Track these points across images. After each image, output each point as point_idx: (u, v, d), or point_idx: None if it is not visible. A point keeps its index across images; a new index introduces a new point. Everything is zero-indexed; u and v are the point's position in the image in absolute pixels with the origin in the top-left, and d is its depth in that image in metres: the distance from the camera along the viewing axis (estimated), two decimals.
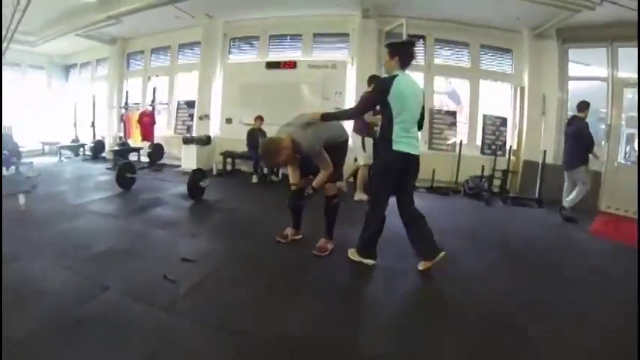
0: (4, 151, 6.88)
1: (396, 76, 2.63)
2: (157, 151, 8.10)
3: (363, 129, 4.99)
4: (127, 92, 8.77)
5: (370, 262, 2.88)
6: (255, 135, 6.46)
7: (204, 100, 7.93)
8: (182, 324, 2.03)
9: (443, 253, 2.78)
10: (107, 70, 9.38)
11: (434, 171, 6.27)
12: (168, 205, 4.65)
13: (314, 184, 2.94)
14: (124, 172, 5.36)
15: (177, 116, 8.61)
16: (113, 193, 5.18)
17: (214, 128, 7.98)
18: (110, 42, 8.83)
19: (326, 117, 2.87)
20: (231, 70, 7.88)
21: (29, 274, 2.53)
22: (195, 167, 6.91)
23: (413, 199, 2.88)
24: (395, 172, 2.72)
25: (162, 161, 8.19)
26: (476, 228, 4.33)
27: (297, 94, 7.14)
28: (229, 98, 7.88)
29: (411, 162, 2.74)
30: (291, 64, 7.22)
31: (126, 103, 8.50)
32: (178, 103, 8.62)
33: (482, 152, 6.68)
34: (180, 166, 7.61)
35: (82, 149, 9.32)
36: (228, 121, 7.94)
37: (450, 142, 6.74)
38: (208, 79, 7.82)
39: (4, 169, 6.82)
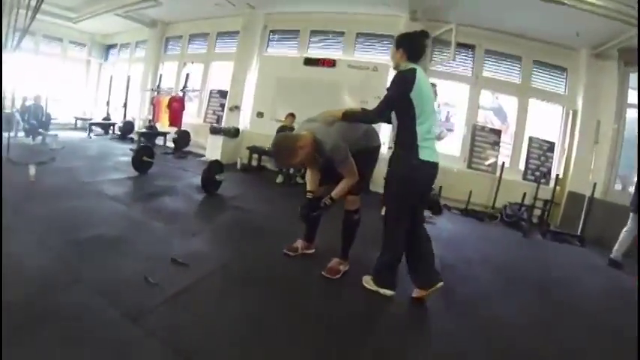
0: (32, 121, 6.90)
1: (414, 69, 2.26)
2: (182, 138, 7.90)
3: None
4: (160, 75, 8.67)
5: (388, 292, 2.41)
6: (283, 131, 6.11)
7: (237, 90, 7.67)
8: (144, 342, 1.65)
9: (440, 284, 2.38)
10: (145, 53, 9.34)
11: (470, 192, 5.70)
12: (178, 196, 4.34)
13: (334, 193, 2.45)
14: (141, 155, 5.13)
15: (208, 105, 8.43)
16: (127, 175, 4.95)
17: (245, 121, 7.71)
18: (150, 25, 8.79)
19: (348, 116, 2.40)
20: (268, 62, 7.60)
21: (6, 250, 2.23)
22: (218, 158, 6.71)
23: (424, 216, 2.60)
24: (422, 186, 2.39)
25: (188, 149, 7.99)
26: (510, 262, 3.77)
27: (333, 93, 6.72)
28: (263, 91, 7.59)
29: (435, 172, 2.40)
30: (331, 63, 6.83)
31: (158, 86, 8.39)
32: (211, 92, 8.44)
33: (525, 177, 6.03)
34: (204, 155, 7.37)
35: (111, 128, 9.31)
36: (260, 115, 7.66)
37: (488, 162, 6.13)
38: (243, 70, 7.56)
39: (30, 138, 6.84)
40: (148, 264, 2.41)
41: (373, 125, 2.63)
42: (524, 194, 5.61)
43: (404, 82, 2.25)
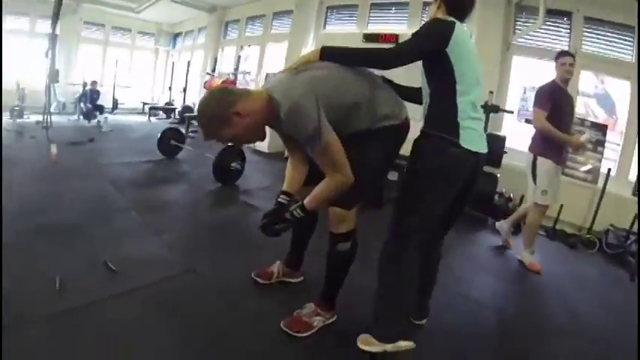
0: (87, 105, 7.30)
1: (454, 22, 1.53)
2: None
3: (545, 145, 3.12)
4: (215, 59, 8.64)
5: (404, 345, 1.54)
6: None
7: None
8: None
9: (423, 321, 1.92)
10: (204, 39, 9.44)
11: (561, 207, 4.39)
12: (186, 185, 4.00)
13: (307, 200, 1.53)
14: (169, 138, 4.90)
15: None
16: (151, 158, 4.76)
17: None
18: (209, 10, 8.81)
19: (328, 53, 1.54)
20: (325, 41, 6.94)
21: None
22: (266, 147, 6.32)
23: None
24: (461, 186, 1.58)
25: None
26: (617, 335, 2.23)
27: (396, 73, 5.81)
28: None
29: (481, 168, 1.67)
30: (392, 38, 5.93)
31: (213, 70, 8.34)
32: (267, 75, 8.11)
33: (637, 194, 4.52)
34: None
35: (173, 113, 9.58)
36: None
37: (586, 167, 4.74)
38: (297, 50, 7.04)
39: (87, 120, 7.25)
40: (79, 263, 2.03)
41: (390, 90, 1.72)
42: (636, 217, 4.19)
43: (439, 29, 1.53)
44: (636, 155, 4.34)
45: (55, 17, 4.95)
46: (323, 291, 1.80)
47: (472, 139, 1.52)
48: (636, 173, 3.54)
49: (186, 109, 9.01)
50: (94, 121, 7.27)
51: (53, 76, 7.27)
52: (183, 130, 5.27)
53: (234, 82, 7.70)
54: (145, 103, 10.17)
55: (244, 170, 4.22)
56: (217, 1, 8.32)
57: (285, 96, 1.39)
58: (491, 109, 4.16)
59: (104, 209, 2.91)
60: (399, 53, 1.53)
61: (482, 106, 3.34)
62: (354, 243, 1.68)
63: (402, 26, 6.02)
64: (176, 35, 11.09)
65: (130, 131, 7.02)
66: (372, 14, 6.38)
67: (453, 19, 1.55)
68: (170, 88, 9.79)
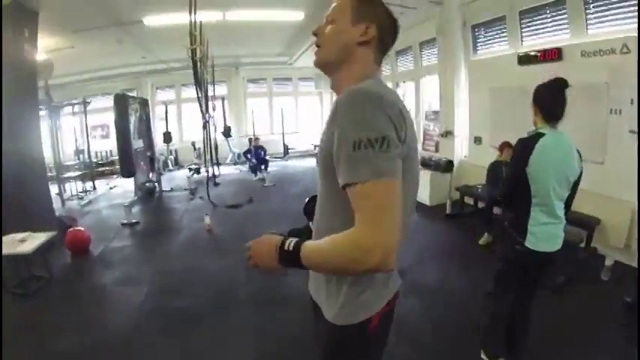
0: (252, 160, 8.60)
1: (541, 135, 1.94)
2: None
3: None
4: None
5: None
6: (497, 170, 4.61)
7: (448, 110, 6.70)
8: None
9: None
10: None
11: None
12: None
13: (309, 245, 0.94)
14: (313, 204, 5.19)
15: (423, 130, 7.69)
16: (301, 225, 5.08)
17: (462, 150, 6.63)
18: None
19: None
20: (477, 69, 6.25)
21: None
22: (427, 198, 6.11)
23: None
24: (524, 272, 2.14)
25: None
26: None
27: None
28: (477, 108, 6.32)
29: (549, 260, 2.07)
30: (553, 54, 4.74)
31: None
32: (426, 114, 7.79)
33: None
34: None
35: None
36: (477, 140, 6.41)
37: None
38: (450, 84, 6.55)
39: (253, 174, 8.54)
40: None
41: None
42: None
43: (520, 151, 1.99)
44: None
45: (198, 84, 6.16)
46: None
47: (537, 242, 1.95)
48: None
49: None
50: (260, 175, 8.46)
51: (226, 132, 9.00)
52: None
53: None
54: (315, 146, 11.28)
55: None
56: None
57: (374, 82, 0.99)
58: None
59: (226, 299, 3.30)
60: (510, 186, 2.07)
61: None
62: None
63: (564, 35, 4.74)
64: None
65: (292, 183, 7.72)
66: (524, 25, 5.31)
67: (545, 128, 1.92)
68: None
